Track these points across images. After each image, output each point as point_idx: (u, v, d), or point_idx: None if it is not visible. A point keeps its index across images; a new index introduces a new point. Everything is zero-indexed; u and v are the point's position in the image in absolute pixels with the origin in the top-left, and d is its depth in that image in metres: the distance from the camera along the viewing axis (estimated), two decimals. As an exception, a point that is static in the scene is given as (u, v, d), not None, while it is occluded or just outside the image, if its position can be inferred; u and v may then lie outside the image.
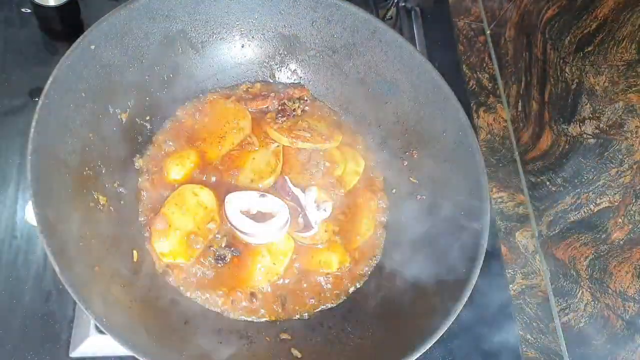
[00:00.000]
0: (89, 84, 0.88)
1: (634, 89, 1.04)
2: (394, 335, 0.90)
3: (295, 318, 0.96)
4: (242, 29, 1.10)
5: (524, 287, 1.27)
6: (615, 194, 1.08)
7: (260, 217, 0.97)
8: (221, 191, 1.00)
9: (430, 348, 0.84)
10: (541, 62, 1.33)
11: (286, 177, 1.03)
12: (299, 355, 0.89)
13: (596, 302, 1.11)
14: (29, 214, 1.03)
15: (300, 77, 1.17)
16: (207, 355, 0.84)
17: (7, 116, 1.11)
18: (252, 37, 1.11)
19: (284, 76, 1.17)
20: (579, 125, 1.19)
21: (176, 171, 1.00)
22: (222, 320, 0.92)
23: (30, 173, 0.75)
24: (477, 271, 0.90)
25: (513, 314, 1.21)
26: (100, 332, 0.92)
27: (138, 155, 1.01)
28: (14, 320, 0.95)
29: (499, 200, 1.35)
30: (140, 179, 1.00)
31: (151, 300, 0.86)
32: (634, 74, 1.04)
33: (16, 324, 0.95)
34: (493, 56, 1.53)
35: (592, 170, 1.14)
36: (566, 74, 1.23)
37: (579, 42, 1.18)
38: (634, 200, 1.04)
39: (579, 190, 1.18)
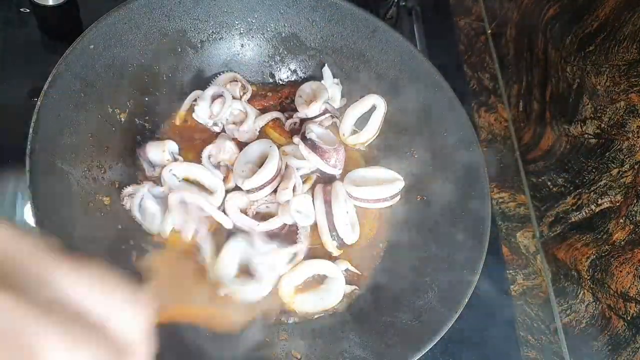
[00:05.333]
0: (87, 84, 0.88)
1: (635, 88, 1.03)
2: (396, 336, 0.90)
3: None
4: (242, 29, 1.09)
5: (525, 287, 1.26)
6: (617, 194, 1.08)
7: (260, 217, 0.97)
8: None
9: (430, 349, 0.84)
10: (542, 62, 1.32)
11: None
12: (298, 356, 0.89)
13: (597, 303, 1.11)
14: (27, 215, 1.03)
15: (300, 77, 1.16)
16: (207, 356, 0.83)
17: (6, 116, 1.11)
18: (252, 37, 1.11)
19: (283, 76, 1.16)
20: (580, 125, 1.18)
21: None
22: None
23: (29, 174, 0.75)
24: (479, 270, 0.90)
25: (514, 315, 1.21)
26: (99, 333, 0.92)
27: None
28: (13, 321, 0.95)
29: (500, 200, 1.35)
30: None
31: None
32: (635, 73, 1.03)
33: (15, 325, 0.94)
34: (494, 56, 1.53)
35: (594, 170, 1.14)
36: (567, 74, 1.23)
37: (580, 42, 1.18)
38: (635, 201, 1.03)
39: (580, 190, 1.18)
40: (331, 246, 0.98)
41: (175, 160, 0.97)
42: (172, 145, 0.98)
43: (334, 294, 0.96)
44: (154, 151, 0.96)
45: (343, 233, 0.97)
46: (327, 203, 0.97)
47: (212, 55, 1.10)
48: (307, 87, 1.10)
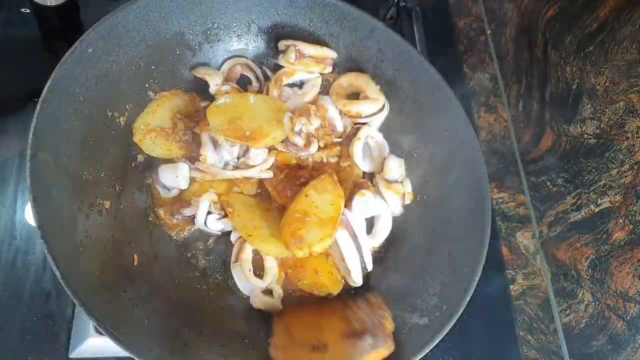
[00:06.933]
0: (87, 87, 0.88)
1: (634, 89, 1.03)
2: (396, 335, 0.90)
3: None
4: (239, 30, 1.09)
5: (524, 287, 1.26)
6: (616, 194, 1.08)
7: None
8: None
9: (430, 349, 0.84)
10: (542, 62, 1.32)
11: None
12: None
13: (597, 303, 1.11)
14: (28, 215, 1.03)
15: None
16: (209, 358, 0.84)
17: (6, 116, 1.11)
18: (250, 38, 1.11)
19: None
20: (580, 126, 1.18)
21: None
22: (223, 324, 0.92)
23: (29, 178, 0.75)
24: (479, 270, 0.90)
25: (514, 315, 1.21)
26: (100, 333, 0.92)
27: (140, 156, 1.01)
28: (14, 321, 0.95)
29: (500, 200, 1.35)
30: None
31: (152, 304, 0.86)
32: (634, 73, 1.03)
33: (15, 325, 0.95)
34: (494, 56, 1.53)
35: (593, 170, 1.14)
36: (567, 74, 1.23)
37: (580, 42, 1.18)
38: (635, 201, 1.03)
39: (579, 190, 1.18)
40: (359, 277, 0.97)
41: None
42: (184, 169, 0.98)
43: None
44: (167, 175, 0.97)
45: (368, 259, 0.97)
46: (354, 237, 0.95)
47: (210, 57, 1.10)
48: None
